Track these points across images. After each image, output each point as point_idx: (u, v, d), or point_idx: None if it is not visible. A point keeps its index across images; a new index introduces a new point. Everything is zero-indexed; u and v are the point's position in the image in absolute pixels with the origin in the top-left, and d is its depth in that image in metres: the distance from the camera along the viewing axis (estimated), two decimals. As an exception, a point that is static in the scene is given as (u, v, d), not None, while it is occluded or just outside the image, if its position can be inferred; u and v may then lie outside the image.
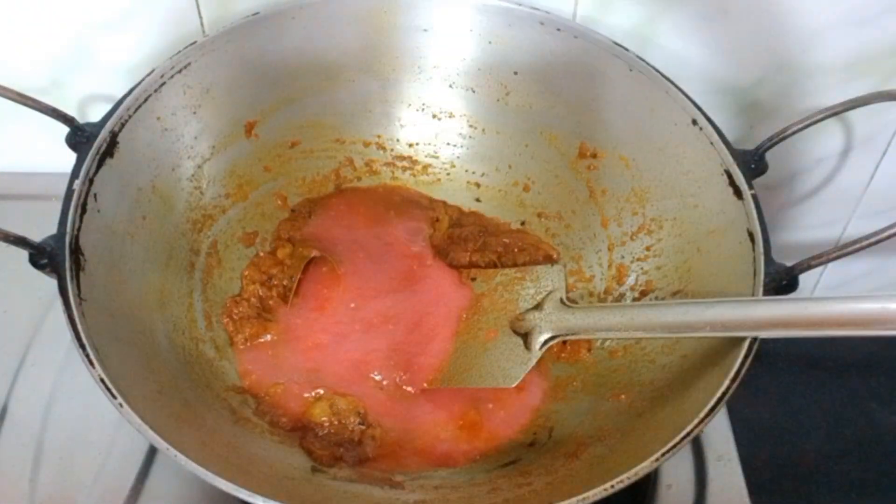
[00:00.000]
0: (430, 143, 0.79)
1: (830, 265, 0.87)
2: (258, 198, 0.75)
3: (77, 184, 0.59)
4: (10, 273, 0.75)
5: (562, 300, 0.68)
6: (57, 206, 0.58)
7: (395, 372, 0.68)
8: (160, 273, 0.66)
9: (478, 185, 0.79)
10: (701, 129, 0.66)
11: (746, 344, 0.55)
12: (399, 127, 0.79)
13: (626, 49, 0.69)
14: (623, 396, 0.65)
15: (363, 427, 0.65)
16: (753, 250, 0.60)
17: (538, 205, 0.77)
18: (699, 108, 0.66)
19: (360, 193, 0.79)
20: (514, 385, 0.66)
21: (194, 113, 0.69)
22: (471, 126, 0.78)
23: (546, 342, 0.66)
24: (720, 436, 0.71)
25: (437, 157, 0.80)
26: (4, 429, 0.68)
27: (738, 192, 0.62)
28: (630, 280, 0.72)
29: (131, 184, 0.65)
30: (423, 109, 0.78)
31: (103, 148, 0.61)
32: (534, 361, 0.66)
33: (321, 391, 0.67)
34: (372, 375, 0.68)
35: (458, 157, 0.79)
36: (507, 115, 0.77)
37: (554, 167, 0.76)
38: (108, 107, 0.64)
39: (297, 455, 0.63)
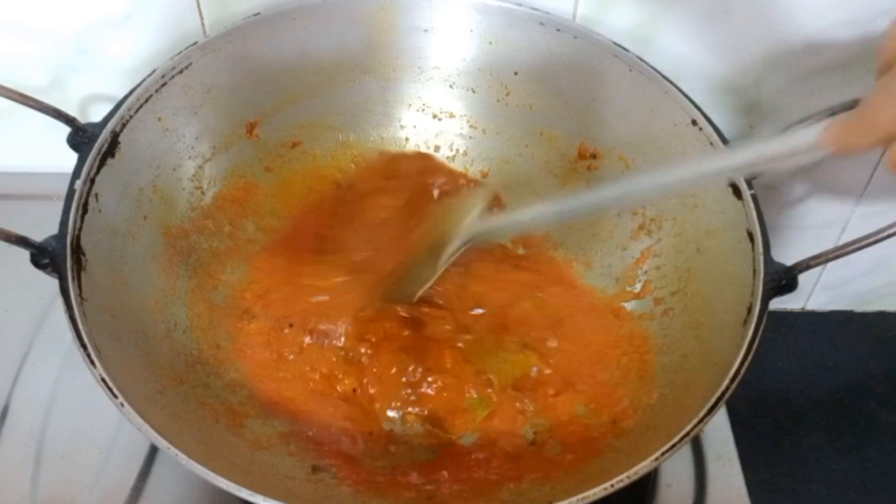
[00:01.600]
0: (430, 144, 0.79)
1: (830, 265, 0.87)
2: (259, 196, 0.75)
3: (78, 184, 0.59)
4: (10, 273, 0.76)
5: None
6: (58, 207, 0.58)
7: None
8: (161, 273, 0.66)
9: (478, 185, 0.79)
10: (701, 129, 0.66)
11: (746, 344, 0.55)
12: (399, 127, 0.79)
13: (626, 49, 0.69)
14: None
15: None
16: (753, 250, 0.60)
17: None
18: (699, 109, 0.66)
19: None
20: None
21: (195, 113, 0.70)
22: (471, 126, 0.78)
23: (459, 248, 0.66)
24: (720, 436, 0.71)
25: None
26: (5, 428, 0.68)
27: (737, 192, 0.62)
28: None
29: (132, 184, 0.65)
30: (423, 110, 0.78)
31: (104, 148, 0.62)
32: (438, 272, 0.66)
33: None
34: None
35: (458, 158, 0.79)
36: (507, 115, 0.77)
37: (554, 167, 0.76)
38: (110, 107, 0.64)
39: (298, 454, 0.63)
